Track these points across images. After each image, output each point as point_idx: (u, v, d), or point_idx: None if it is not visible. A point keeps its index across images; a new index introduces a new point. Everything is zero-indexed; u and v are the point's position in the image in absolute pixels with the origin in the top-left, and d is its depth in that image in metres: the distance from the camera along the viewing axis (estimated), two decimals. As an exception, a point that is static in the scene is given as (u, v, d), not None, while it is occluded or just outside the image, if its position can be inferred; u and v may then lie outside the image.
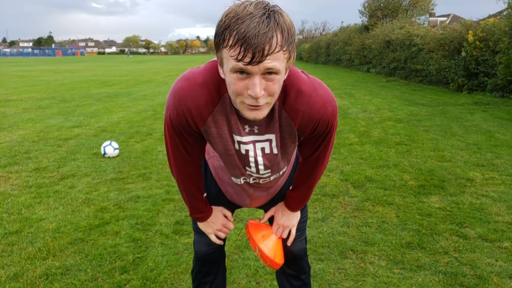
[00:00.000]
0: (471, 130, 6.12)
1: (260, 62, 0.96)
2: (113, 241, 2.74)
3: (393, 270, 2.39)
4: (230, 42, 0.96)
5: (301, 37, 50.30)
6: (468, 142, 5.38)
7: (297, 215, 1.53)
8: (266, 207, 1.59)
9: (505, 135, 5.81)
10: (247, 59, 0.95)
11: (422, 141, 5.51)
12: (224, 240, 1.59)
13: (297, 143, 1.29)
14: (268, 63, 0.96)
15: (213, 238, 1.52)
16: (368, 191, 3.67)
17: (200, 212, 1.47)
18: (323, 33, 46.08)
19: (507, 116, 7.33)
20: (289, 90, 1.15)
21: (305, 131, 1.22)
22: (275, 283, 2.23)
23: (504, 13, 10.19)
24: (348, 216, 3.15)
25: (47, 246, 2.65)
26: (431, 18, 30.17)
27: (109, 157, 4.74)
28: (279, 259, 1.49)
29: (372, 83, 14.24)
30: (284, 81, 1.14)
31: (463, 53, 10.55)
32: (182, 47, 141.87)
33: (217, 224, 1.50)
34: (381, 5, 23.80)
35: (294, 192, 1.49)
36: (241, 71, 0.99)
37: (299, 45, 40.63)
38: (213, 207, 1.52)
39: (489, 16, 12.37)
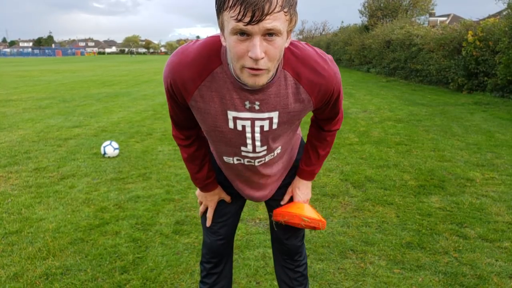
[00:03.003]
0: (471, 130, 6.13)
1: (260, 21, 0.95)
2: (113, 241, 2.74)
3: (393, 270, 2.39)
4: (230, 3, 0.96)
5: (301, 37, 50.30)
6: (468, 142, 5.38)
7: (310, 187, 1.57)
8: (270, 201, 1.60)
9: (505, 135, 5.81)
10: (247, 19, 0.94)
11: (422, 141, 5.51)
12: (233, 233, 1.63)
13: (299, 119, 1.30)
14: (268, 23, 0.95)
15: (200, 208, 1.58)
16: (368, 191, 3.67)
17: (199, 182, 1.50)
18: (323, 33, 46.11)
19: (507, 116, 7.33)
20: (303, 65, 1.16)
21: (320, 103, 1.24)
22: (275, 283, 2.23)
23: (504, 13, 10.20)
24: (348, 216, 3.15)
25: (47, 246, 2.65)
26: (431, 18, 30.16)
27: (109, 157, 4.74)
28: (323, 217, 1.55)
29: (372, 83, 14.24)
30: (297, 56, 1.15)
31: (464, 52, 10.55)
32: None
33: (208, 202, 1.55)
34: (381, 5, 23.81)
35: (308, 158, 1.49)
36: (241, 32, 0.98)
37: (299, 45, 40.52)
38: (217, 190, 1.54)
39: (489, 16, 12.38)
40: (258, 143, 1.27)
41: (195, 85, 1.17)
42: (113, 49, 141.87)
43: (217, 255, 1.62)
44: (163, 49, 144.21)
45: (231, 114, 1.20)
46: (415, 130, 6.23)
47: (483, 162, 4.48)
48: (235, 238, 2.73)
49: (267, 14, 0.94)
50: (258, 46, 0.98)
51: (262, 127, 1.23)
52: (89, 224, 2.99)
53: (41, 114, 7.83)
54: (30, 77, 17.83)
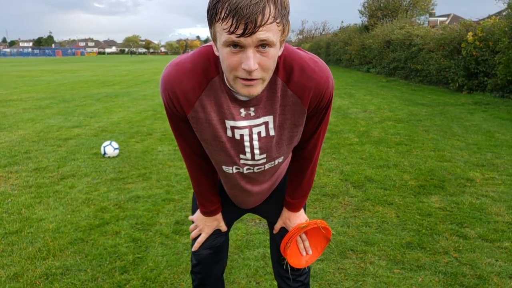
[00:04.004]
0: (471, 130, 6.13)
1: (253, 33, 0.94)
2: (113, 241, 2.74)
3: (393, 270, 2.39)
4: (222, 15, 0.95)
5: (301, 37, 50.31)
6: (468, 142, 5.38)
7: (302, 213, 1.54)
8: (263, 209, 1.58)
9: (505, 135, 5.81)
10: (240, 31, 0.93)
11: (422, 141, 5.51)
12: (225, 242, 1.58)
13: (297, 128, 1.26)
14: (261, 34, 0.95)
15: (193, 232, 1.52)
16: (368, 191, 3.67)
17: (204, 207, 1.47)
18: (323, 33, 46.11)
19: (507, 116, 7.33)
20: (292, 68, 1.14)
21: (310, 107, 1.21)
22: (275, 283, 2.23)
23: (504, 13, 10.20)
24: (348, 216, 3.15)
25: (47, 246, 2.65)
26: (431, 18, 30.17)
27: (109, 157, 4.74)
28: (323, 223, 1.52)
29: (372, 83, 14.24)
30: (286, 59, 1.13)
31: (464, 52, 10.55)
32: (182, 47, 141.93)
33: (205, 227, 1.51)
34: (381, 5, 23.81)
35: (293, 191, 1.47)
36: (234, 45, 0.97)
37: (299, 45, 40.64)
38: (218, 215, 1.51)
39: (489, 16, 12.38)
40: (256, 151, 1.25)
41: (196, 95, 1.15)
42: (113, 49, 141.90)
43: (207, 265, 1.55)
44: (163, 49, 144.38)
45: (228, 123, 1.19)
46: (415, 130, 6.23)
47: (483, 162, 4.48)
48: (235, 238, 2.74)
49: (260, 26, 0.94)
50: (251, 58, 0.97)
51: (259, 133, 1.22)
52: (89, 224, 2.99)
53: (41, 114, 7.83)
54: (30, 77, 17.83)
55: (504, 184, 3.81)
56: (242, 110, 1.17)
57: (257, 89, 1.06)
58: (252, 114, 1.18)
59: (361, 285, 2.26)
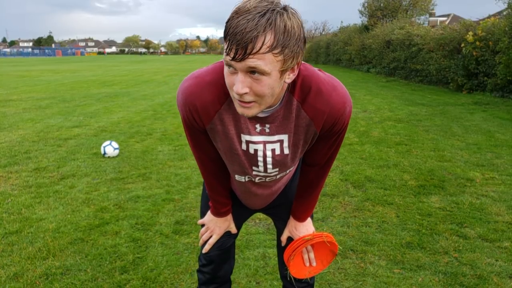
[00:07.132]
0: (471, 130, 6.13)
1: (242, 60, 0.94)
2: (113, 241, 2.74)
3: (393, 270, 2.39)
4: (225, 35, 0.97)
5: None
6: (468, 142, 5.38)
7: (309, 222, 1.55)
8: (271, 207, 1.59)
9: (505, 135, 5.81)
10: (232, 55, 0.95)
11: (422, 141, 5.51)
12: (233, 248, 1.60)
13: (308, 144, 1.26)
14: (251, 62, 0.94)
15: (204, 235, 1.53)
16: (368, 191, 3.67)
17: (216, 208, 1.48)
18: (323, 33, 46.14)
19: (507, 116, 7.34)
20: (308, 90, 1.14)
21: (322, 130, 1.20)
22: (275, 283, 2.24)
23: (504, 13, 10.19)
24: (348, 216, 3.16)
25: (47, 246, 2.65)
26: (431, 18, 30.16)
27: (109, 157, 4.74)
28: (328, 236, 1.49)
29: (372, 83, 14.24)
30: (304, 79, 1.13)
31: (464, 52, 10.55)
32: (182, 47, 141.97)
33: (216, 228, 1.52)
34: (381, 5, 23.82)
35: (301, 202, 1.48)
36: (229, 65, 0.99)
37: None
38: (229, 216, 1.53)
39: (489, 16, 12.38)
40: (269, 166, 1.27)
41: (215, 109, 1.16)
42: (113, 49, 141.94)
43: (217, 265, 1.58)
44: (163, 49, 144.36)
45: (244, 137, 1.20)
46: (415, 130, 6.23)
47: (483, 162, 4.48)
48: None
49: (249, 54, 0.93)
50: (239, 82, 0.98)
51: (273, 150, 1.23)
52: (89, 224, 2.99)
53: (41, 114, 7.83)
54: (30, 77, 17.83)
55: (504, 184, 3.81)
56: (257, 126, 1.18)
57: (252, 111, 1.06)
58: (267, 130, 1.19)
59: (361, 285, 2.26)
